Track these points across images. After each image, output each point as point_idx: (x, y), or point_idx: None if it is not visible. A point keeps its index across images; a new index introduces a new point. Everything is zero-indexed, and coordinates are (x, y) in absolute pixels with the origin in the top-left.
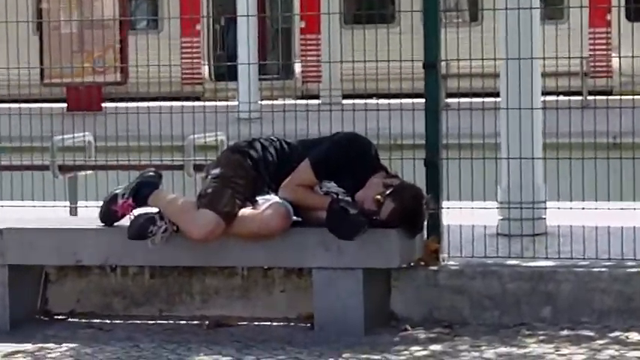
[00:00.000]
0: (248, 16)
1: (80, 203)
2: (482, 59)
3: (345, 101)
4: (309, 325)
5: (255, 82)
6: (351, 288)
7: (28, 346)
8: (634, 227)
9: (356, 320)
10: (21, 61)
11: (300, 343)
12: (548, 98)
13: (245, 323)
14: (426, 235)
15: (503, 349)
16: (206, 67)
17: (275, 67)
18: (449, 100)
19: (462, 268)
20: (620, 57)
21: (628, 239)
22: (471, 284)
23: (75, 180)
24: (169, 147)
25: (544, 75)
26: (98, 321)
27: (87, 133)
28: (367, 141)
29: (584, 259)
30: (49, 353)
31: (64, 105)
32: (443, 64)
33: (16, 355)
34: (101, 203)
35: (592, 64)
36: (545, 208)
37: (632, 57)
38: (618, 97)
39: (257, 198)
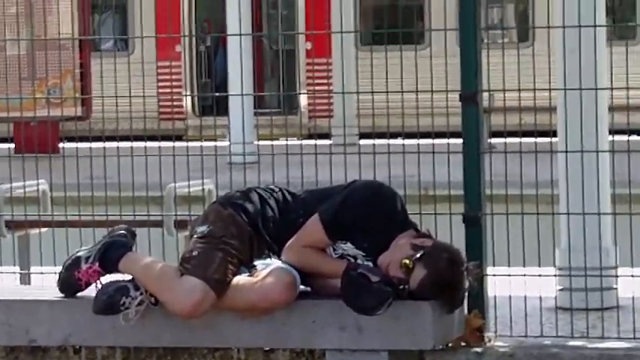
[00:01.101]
0: (241, 35)
1: (33, 269)
2: (535, 90)
3: (362, 141)
4: None
5: (250, 117)
6: None
7: None
8: None
9: None
10: None
11: None
12: (618, 138)
13: None
14: (466, 310)
15: None
16: (189, 99)
17: (275, 98)
18: (493, 140)
19: (513, 350)
20: None
21: None
22: None
23: (26, 239)
24: (144, 198)
25: (612, 109)
26: None
27: (41, 180)
28: (392, 191)
29: None
30: None
31: (12, 146)
32: (485, 95)
33: None
34: (60, 269)
35: None
36: (617, 276)
37: None
38: None
39: (255, 263)
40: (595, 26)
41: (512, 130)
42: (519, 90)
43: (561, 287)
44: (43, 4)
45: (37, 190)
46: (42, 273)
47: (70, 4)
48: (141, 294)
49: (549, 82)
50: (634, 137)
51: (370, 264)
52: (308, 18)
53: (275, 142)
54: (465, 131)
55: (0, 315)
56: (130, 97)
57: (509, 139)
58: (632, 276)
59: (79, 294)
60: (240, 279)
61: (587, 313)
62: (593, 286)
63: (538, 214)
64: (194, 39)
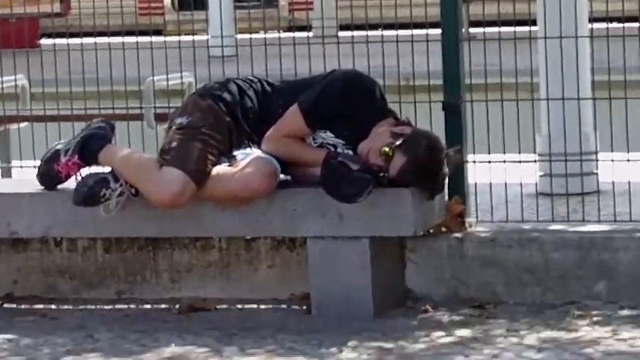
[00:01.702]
0: None
1: (13, 162)
2: None
3: (341, 33)
4: (304, 307)
5: (229, 10)
6: (355, 262)
7: None
8: None
9: (363, 301)
10: None
11: (294, 330)
12: (597, 25)
13: (225, 307)
14: (447, 196)
15: (548, 334)
16: None
17: None
18: (472, 29)
19: (494, 235)
20: None
21: None
22: (505, 254)
23: (6, 134)
24: (123, 92)
25: None
26: (41, 306)
27: (19, 76)
28: (371, 80)
29: None
30: None
31: None
32: None
33: None
34: (39, 162)
35: None
36: (597, 160)
37: None
38: None
39: (235, 153)
40: None
41: (491, 19)
42: None
43: (542, 173)
44: None
45: (15, 85)
46: (21, 167)
47: None
48: (121, 185)
49: None
50: (613, 24)
51: (350, 152)
52: None
53: (254, 35)
54: (443, 20)
55: None
56: None
57: (488, 29)
58: (612, 160)
59: (58, 186)
60: (220, 169)
61: (567, 198)
62: (574, 171)
63: (517, 100)
64: None
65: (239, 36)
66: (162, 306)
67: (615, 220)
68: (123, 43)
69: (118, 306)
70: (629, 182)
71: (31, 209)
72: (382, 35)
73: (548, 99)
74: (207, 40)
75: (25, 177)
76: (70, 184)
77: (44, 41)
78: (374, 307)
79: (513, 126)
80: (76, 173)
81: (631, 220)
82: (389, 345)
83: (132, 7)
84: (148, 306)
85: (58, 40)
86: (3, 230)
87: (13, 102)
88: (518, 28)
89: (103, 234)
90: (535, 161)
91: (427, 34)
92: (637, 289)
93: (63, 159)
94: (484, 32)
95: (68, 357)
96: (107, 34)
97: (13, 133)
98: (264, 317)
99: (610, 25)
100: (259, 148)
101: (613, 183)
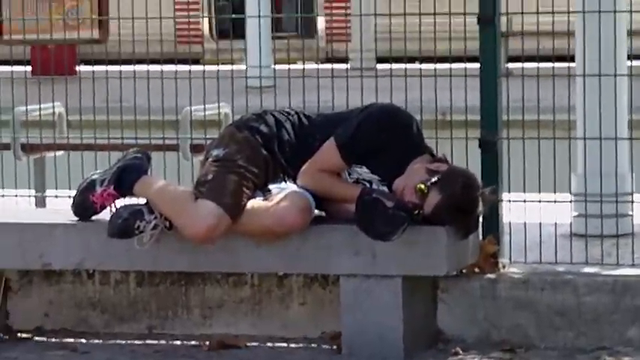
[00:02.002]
0: None
1: (48, 192)
2: (553, 12)
3: (379, 66)
4: (335, 347)
5: (267, 40)
6: (387, 300)
7: None
8: None
9: (394, 341)
10: None
11: None
12: (636, 63)
13: (256, 344)
14: (481, 236)
15: None
16: (206, 22)
17: (293, 21)
18: (510, 64)
19: (527, 276)
20: None
21: None
22: (538, 297)
23: (42, 162)
24: (160, 122)
25: (631, 33)
26: (72, 340)
27: (57, 103)
28: (408, 115)
29: None
30: None
31: (28, 68)
32: (503, 18)
33: None
34: (75, 192)
35: None
36: (633, 203)
37: None
38: None
39: (270, 186)
40: None
41: (530, 54)
42: (537, 13)
43: (576, 214)
44: None
45: (53, 112)
46: (57, 196)
47: None
48: (155, 218)
49: (567, 6)
50: None
51: (385, 189)
52: None
53: (292, 66)
54: (482, 55)
55: (14, 238)
56: (147, 19)
57: (526, 64)
58: None
59: (93, 217)
60: (255, 203)
61: (601, 239)
62: (609, 212)
63: (555, 138)
64: None
65: (277, 66)
66: (193, 342)
67: None
68: (161, 71)
69: (148, 341)
70: None
71: (64, 240)
72: (420, 69)
73: (585, 138)
74: (245, 70)
75: (59, 207)
76: (105, 215)
77: (82, 68)
78: (405, 348)
79: (549, 165)
80: (111, 204)
81: None
82: None
83: (171, 35)
84: (179, 342)
85: (96, 67)
86: (36, 261)
87: (50, 130)
88: (557, 65)
89: (136, 267)
90: (570, 201)
91: (465, 69)
92: None
93: (98, 189)
94: (522, 68)
95: None
96: (146, 61)
97: (49, 162)
98: (295, 356)
99: None
100: (294, 182)
101: None
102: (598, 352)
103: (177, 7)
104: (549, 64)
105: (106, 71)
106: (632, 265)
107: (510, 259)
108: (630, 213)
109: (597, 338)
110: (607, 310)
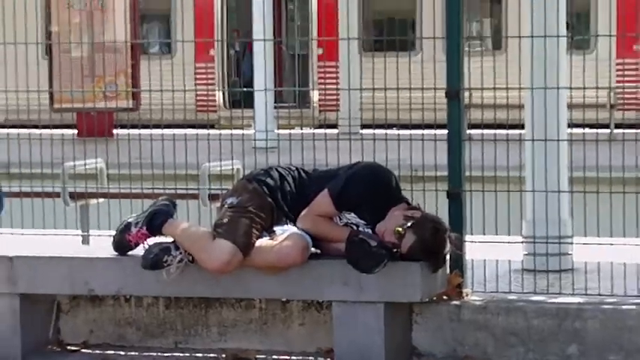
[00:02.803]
0: (265, 40)
1: (92, 232)
2: (507, 89)
3: (364, 131)
4: (328, 359)
5: (271, 110)
6: (372, 322)
7: None
8: None
9: (377, 356)
10: (30, 85)
11: None
12: (575, 131)
13: (263, 357)
14: (448, 269)
15: None
16: (221, 94)
17: (292, 94)
18: (472, 131)
19: (486, 303)
20: None
21: None
22: (495, 320)
23: (86, 208)
24: (184, 175)
25: (570, 106)
26: (112, 352)
27: (99, 159)
28: (388, 172)
29: (612, 295)
30: None
31: (75, 131)
32: (466, 93)
33: None
34: (114, 232)
35: (619, 95)
36: (572, 243)
37: None
38: None
39: (275, 228)
40: (558, 37)
41: (488, 123)
42: (494, 89)
43: (526, 252)
44: (102, 15)
45: (96, 167)
46: (99, 235)
47: (123, 15)
48: (180, 253)
49: (519, 83)
50: (588, 130)
51: (370, 231)
52: (320, 28)
53: (292, 131)
54: (449, 123)
55: (64, 269)
56: (173, 91)
57: (485, 131)
58: (585, 244)
59: (129, 253)
60: (263, 242)
61: (547, 274)
62: (553, 251)
63: (509, 191)
64: (225, 44)
65: (280, 131)
66: (212, 355)
67: (586, 294)
68: (185, 134)
69: (175, 354)
70: (598, 262)
71: (106, 271)
72: (398, 134)
73: (533, 191)
74: (254, 133)
75: (101, 244)
76: (139, 251)
77: (119, 131)
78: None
79: (504, 212)
80: (143, 242)
81: (599, 294)
82: None
83: (192, 105)
84: (200, 354)
85: (131, 131)
86: (82, 288)
87: (93, 181)
88: (510, 131)
89: (164, 293)
90: (521, 242)
91: (435, 134)
92: (603, 352)
93: (133, 230)
94: (482, 134)
95: None
96: (172, 126)
97: (92, 208)
98: None
99: (585, 131)
100: (295, 225)
101: (585, 263)
102: None
103: (197, 81)
104: (504, 131)
105: (139, 134)
106: (572, 295)
107: (472, 288)
108: (570, 252)
109: (543, 354)
110: (551, 331)
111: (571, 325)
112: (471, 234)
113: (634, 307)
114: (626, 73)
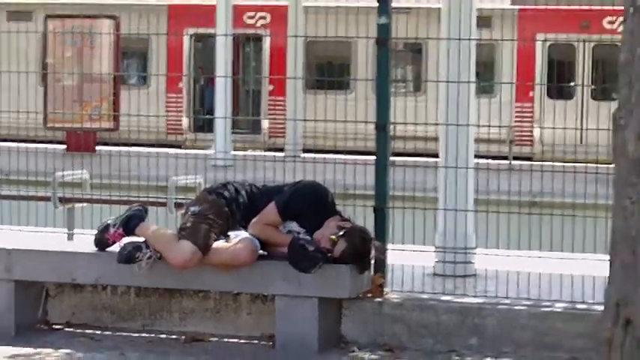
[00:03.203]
0: (225, 77)
1: (76, 231)
2: (426, 124)
3: (305, 154)
4: (270, 343)
5: (228, 134)
6: (307, 314)
7: (29, 350)
8: (550, 274)
9: (311, 342)
10: (28, 107)
11: (263, 358)
12: (480, 161)
13: (216, 339)
14: (373, 272)
15: None
16: (187, 120)
17: (246, 122)
18: (396, 158)
19: (403, 301)
20: (541, 128)
21: (544, 283)
22: (410, 315)
23: (72, 211)
24: (154, 186)
25: (477, 140)
26: (90, 332)
27: (84, 171)
28: (325, 189)
29: (506, 298)
30: (47, 357)
31: (64, 146)
32: (392, 127)
33: (17, 358)
34: (95, 231)
35: (517, 133)
36: (475, 254)
37: (553, 128)
38: (539, 162)
39: (229, 233)
40: (469, 82)
41: (409, 152)
42: (415, 124)
43: (437, 260)
44: (90, 51)
45: (81, 177)
46: (82, 234)
47: (107, 51)
48: (150, 251)
49: (436, 119)
50: (491, 161)
51: (308, 237)
52: (271, 68)
53: (245, 152)
54: (377, 150)
55: (52, 261)
56: (147, 116)
57: (407, 158)
58: (486, 254)
59: (107, 249)
60: (219, 244)
61: (454, 278)
62: (459, 260)
63: (425, 209)
64: (192, 79)
65: (235, 152)
66: (173, 336)
67: (485, 296)
68: (157, 153)
69: (143, 335)
70: (496, 270)
71: (87, 264)
72: (335, 159)
73: (445, 209)
74: (214, 153)
75: (84, 241)
76: (115, 248)
77: (101, 148)
78: (318, 346)
79: (420, 226)
80: (119, 241)
81: (496, 296)
82: None
83: (163, 128)
84: (164, 336)
85: (111, 148)
86: (66, 277)
87: (79, 189)
88: (428, 159)
89: (135, 284)
90: (434, 251)
91: (365, 160)
92: (498, 344)
93: (111, 230)
94: (404, 160)
95: None
96: (145, 145)
97: (77, 211)
98: (243, 348)
99: (489, 161)
100: (246, 230)
101: (485, 269)
102: (449, 353)
103: (167, 108)
104: (422, 159)
105: (119, 151)
106: (474, 296)
107: (392, 288)
108: (473, 261)
109: (449, 345)
110: (456, 326)
111: (472, 321)
112: (392, 243)
113: (524, 308)
114: (523, 114)
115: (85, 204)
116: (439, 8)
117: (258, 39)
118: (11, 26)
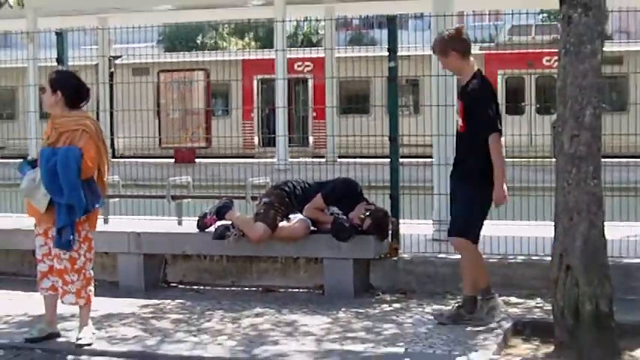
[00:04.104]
0: (283, 107)
1: (184, 218)
2: (424, 135)
3: (340, 159)
4: (321, 292)
5: (286, 147)
6: (345, 270)
7: (155, 301)
8: (513, 236)
9: (349, 289)
10: (148, 134)
11: (316, 303)
12: None
13: (283, 290)
14: (390, 239)
15: (436, 306)
16: (257, 138)
17: (298, 138)
18: (403, 160)
19: (412, 259)
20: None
21: (509, 242)
22: (417, 268)
23: (180, 205)
24: (236, 185)
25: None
26: (196, 287)
27: (188, 176)
28: (356, 182)
29: (483, 253)
30: (168, 305)
31: (173, 160)
32: (400, 138)
33: (147, 306)
34: (197, 218)
35: None
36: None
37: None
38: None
39: (290, 216)
40: (453, 105)
41: (414, 155)
42: (416, 135)
43: (435, 229)
44: (190, 93)
45: (186, 180)
46: (188, 220)
47: (203, 93)
48: (235, 230)
49: (431, 131)
50: None
51: (345, 217)
52: (315, 100)
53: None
54: (390, 155)
55: (169, 239)
56: (230, 137)
57: (412, 159)
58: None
59: (206, 230)
60: (283, 224)
61: (447, 242)
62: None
63: (425, 194)
64: (260, 110)
65: (291, 159)
66: (253, 289)
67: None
68: (238, 162)
69: (232, 288)
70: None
71: (192, 240)
72: (361, 162)
73: (439, 194)
74: (277, 161)
75: (189, 225)
76: (211, 229)
77: (199, 160)
78: (354, 292)
79: (422, 206)
80: (214, 224)
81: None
82: (361, 310)
83: (241, 144)
84: (247, 289)
85: (207, 160)
86: (179, 250)
87: (184, 189)
88: (426, 159)
89: (226, 253)
90: (432, 223)
91: (383, 162)
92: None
93: (208, 217)
94: (410, 162)
95: (208, 310)
96: (228, 157)
97: (184, 205)
98: (302, 295)
99: None
100: (302, 213)
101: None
102: (445, 294)
103: (244, 131)
104: (421, 159)
105: (211, 162)
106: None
107: (404, 250)
108: None
109: (444, 288)
110: (450, 275)
111: (460, 271)
112: (403, 218)
113: (496, 260)
114: None
115: (189, 200)
116: (430, 54)
117: (304, 81)
118: (135, 78)
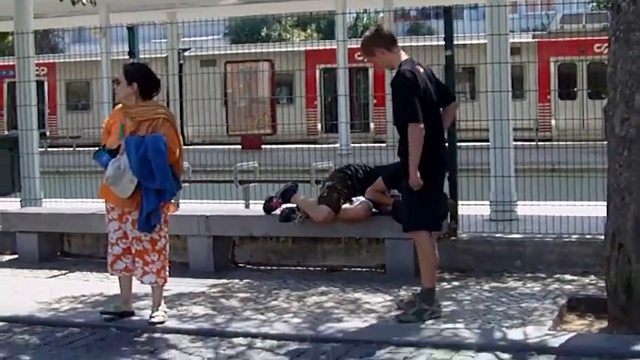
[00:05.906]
0: (345, 95)
1: (251, 202)
2: (480, 120)
3: None
4: (383, 271)
5: (348, 133)
6: (406, 250)
7: (224, 281)
8: (567, 216)
9: (409, 268)
10: (217, 122)
11: (378, 281)
12: (517, 143)
13: (346, 269)
14: (449, 219)
15: (493, 284)
16: (320, 125)
17: (359, 124)
18: (461, 143)
19: (470, 238)
20: (556, 119)
21: (563, 222)
22: (474, 247)
23: (248, 189)
24: (301, 170)
25: (514, 129)
26: (263, 267)
27: (254, 162)
28: None
29: (539, 233)
30: (236, 285)
31: (240, 146)
32: (457, 123)
33: (216, 286)
34: (263, 202)
35: (540, 123)
36: (517, 205)
37: (565, 119)
38: (556, 142)
39: (352, 198)
40: (508, 91)
41: (473, 139)
42: (473, 120)
43: (491, 210)
44: (255, 83)
45: (253, 166)
46: (255, 204)
47: (266, 82)
48: (300, 213)
49: (487, 116)
50: (525, 142)
51: None
52: (375, 88)
53: (360, 144)
54: (449, 139)
55: (237, 221)
56: (295, 124)
57: (470, 143)
58: (524, 205)
59: (272, 213)
60: (346, 206)
61: (503, 222)
62: (506, 209)
63: (482, 176)
64: (323, 98)
65: (353, 145)
66: (318, 268)
67: (524, 233)
68: (302, 148)
69: (298, 268)
70: (531, 215)
71: (259, 223)
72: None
73: (495, 176)
74: (339, 146)
75: (256, 208)
76: (277, 212)
77: (265, 146)
78: (414, 271)
79: (480, 188)
80: (280, 207)
81: (531, 232)
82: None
83: (305, 130)
84: (312, 268)
85: (272, 146)
86: (246, 232)
87: (251, 174)
88: (483, 143)
89: (292, 234)
90: (489, 204)
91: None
92: (534, 264)
93: (274, 200)
94: (467, 145)
95: (275, 289)
96: (292, 142)
97: (251, 188)
98: (364, 274)
99: (523, 143)
100: (364, 196)
101: (524, 215)
102: (501, 272)
103: (308, 118)
104: (478, 143)
105: (277, 148)
106: (517, 233)
107: (462, 230)
108: (515, 210)
109: (501, 266)
110: (506, 253)
111: (516, 250)
112: (461, 200)
113: (551, 239)
114: (544, 111)
115: (255, 184)
116: (485, 43)
117: (365, 70)
118: (203, 70)
